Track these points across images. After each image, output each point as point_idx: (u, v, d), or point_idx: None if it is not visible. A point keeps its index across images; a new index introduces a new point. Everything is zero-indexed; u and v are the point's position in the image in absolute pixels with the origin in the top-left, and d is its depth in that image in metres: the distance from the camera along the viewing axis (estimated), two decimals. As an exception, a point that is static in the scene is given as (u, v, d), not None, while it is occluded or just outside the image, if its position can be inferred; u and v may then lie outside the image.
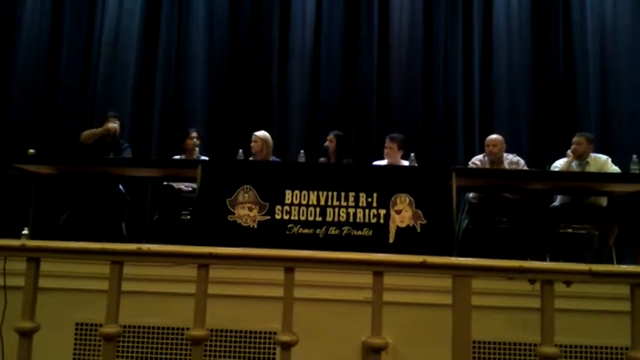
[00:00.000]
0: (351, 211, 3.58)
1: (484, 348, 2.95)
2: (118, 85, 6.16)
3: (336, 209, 3.58)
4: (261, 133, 4.71)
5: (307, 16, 6.30)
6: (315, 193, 3.60)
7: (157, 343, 3.02)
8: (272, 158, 4.73)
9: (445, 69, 6.20)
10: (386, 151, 4.63)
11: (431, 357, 2.58)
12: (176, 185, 4.65)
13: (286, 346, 1.34)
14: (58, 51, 6.27)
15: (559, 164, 4.43)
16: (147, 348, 3.02)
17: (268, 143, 4.69)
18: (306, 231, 3.56)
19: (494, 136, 4.58)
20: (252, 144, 4.66)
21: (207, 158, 4.66)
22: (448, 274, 1.37)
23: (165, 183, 4.72)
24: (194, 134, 4.75)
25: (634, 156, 4.10)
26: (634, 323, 1.30)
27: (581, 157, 4.35)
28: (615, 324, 2.54)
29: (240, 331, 3.02)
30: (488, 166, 4.47)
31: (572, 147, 4.37)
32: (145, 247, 1.42)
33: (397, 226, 3.56)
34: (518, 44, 6.21)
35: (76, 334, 3.06)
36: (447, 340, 1.34)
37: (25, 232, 4.17)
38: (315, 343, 2.51)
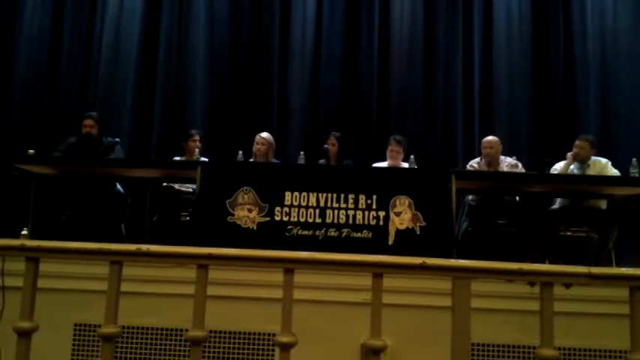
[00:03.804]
0: (351, 212, 3.58)
1: (483, 350, 2.95)
2: (118, 85, 6.16)
3: (336, 211, 3.58)
4: (267, 135, 4.72)
5: (308, 17, 6.31)
6: (315, 194, 3.60)
7: (156, 344, 3.02)
8: (272, 160, 4.74)
9: (445, 71, 6.21)
10: (392, 154, 4.61)
11: (430, 359, 2.57)
12: (177, 186, 4.65)
13: (285, 348, 1.33)
14: (59, 51, 6.27)
15: (559, 167, 4.43)
16: (146, 349, 3.02)
17: (273, 145, 4.72)
18: (305, 232, 3.56)
19: (490, 138, 4.57)
20: (257, 146, 4.65)
21: (206, 159, 4.66)
22: (447, 276, 1.37)
23: (164, 184, 4.71)
24: (196, 137, 4.75)
25: (633, 159, 4.10)
26: (633, 326, 1.30)
27: (582, 160, 4.34)
28: (615, 327, 2.53)
29: (240, 333, 3.01)
30: (485, 168, 4.47)
31: (574, 151, 4.35)
32: (145, 247, 1.42)
33: (397, 228, 3.56)
34: (518, 46, 6.22)
35: (74, 334, 3.05)
36: (447, 342, 1.34)
37: (25, 232, 4.17)
38: (314, 345, 2.51)
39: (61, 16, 6.35)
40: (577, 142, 4.37)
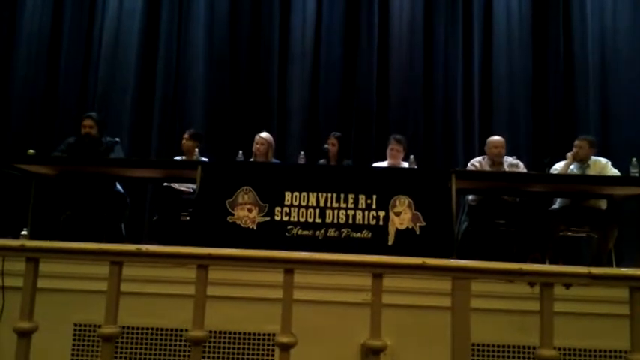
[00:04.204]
0: (351, 213, 3.58)
1: (483, 350, 2.95)
2: (118, 85, 6.17)
3: (336, 211, 3.58)
4: (266, 135, 4.72)
5: (307, 17, 6.31)
6: (315, 194, 3.60)
7: (156, 344, 3.02)
8: (272, 160, 4.74)
9: (445, 71, 6.22)
10: (392, 153, 4.61)
11: (430, 359, 2.57)
12: (177, 186, 4.65)
13: (285, 348, 1.33)
14: (58, 51, 6.28)
15: (559, 166, 4.43)
16: (146, 349, 3.02)
17: (272, 145, 4.72)
18: (305, 233, 3.56)
19: (496, 138, 4.56)
20: (257, 146, 4.65)
21: (207, 159, 4.66)
22: (447, 276, 1.36)
23: (165, 184, 4.71)
24: (186, 135, 4.75)
25: (633, 159, 4.10)
26: (633, 326, 1.30)
27: (581, 160, 4.35)
28: (614, 327, 2.53)
29: (239, 333, 3.01)
30: (487, 167, 4.47)
31: (574, 150, 4.36)
32: (144, 247, 1.42)
33: (396, 229, 3.56)
34: (518, 46, 6.22)
35: (74, 334, 3.05)
36: (446, 342, 1.34)
37: (25, 232, 4.17)
38: (314, 345, 2.51)
39: (60, 15, 6.35)
40: (576, 142, 4.39)
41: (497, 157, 4.44)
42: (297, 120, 6.15)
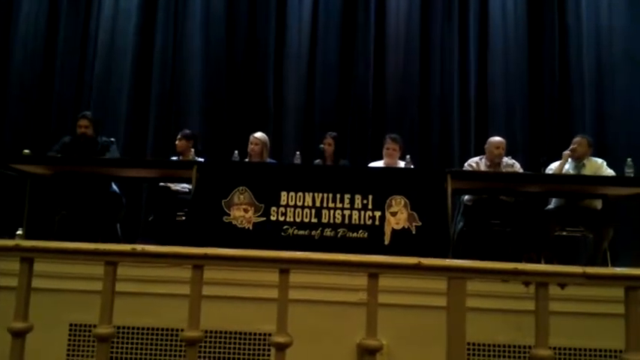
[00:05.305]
0: (347, 212, 3.58)
1: (479, 350, 2.96)
2: (113, 85, 6.16)
3: (332, 211, 3.58)
4: (261, 135, 4.71)
5: (303, 17, 6.31)
6: (311, 194, 3.60)
7: (152, 344, 3.01)
8: (268, 160, 4.73)
9: (441, 71, 6.22)
10: (388, 152, 4.61)
11: (425, 359, 2.58)
12: (173, 186, 4.64)
13: (281, 348, 1.33)
14: (54, 51, 6.26)
15: (554, 166, 4.44)
16: (141, 349, 3.01)
17: (267, 145, 4.72)
18: (301, 232, 3.56)
19: (498, 139, 4.55)
20: (252, 146, 4.65)
21: (202, 159, 4.65)
22: (443, 276, 1.37)
23: (161, 184, 4.71)
24: (179, 135, 4.75)
25: (628, 159, 4.11)
26: (628, 326, 1.31)
27: (577, 159, 4.36)
28: (609, 326, 2.54)
29: (235, 333, 3.01)
30: (484, 168, 4.47)
31: (572, 147, 4.36)
32: (140, 247, 1.41)
33: (392, 228, 3.56)
34: (513, 46, 6.23)
35: (69, 334, 3.04)
36: (442, 341, 1.34)
37: (20, 232, 4.16)
38: (309, 345, 2.51)
39: (56, 15, 6.33)
40: (575, 139, 4.40)
41: (497, 157, 4.44)
42: (293, 119, 6.15)
